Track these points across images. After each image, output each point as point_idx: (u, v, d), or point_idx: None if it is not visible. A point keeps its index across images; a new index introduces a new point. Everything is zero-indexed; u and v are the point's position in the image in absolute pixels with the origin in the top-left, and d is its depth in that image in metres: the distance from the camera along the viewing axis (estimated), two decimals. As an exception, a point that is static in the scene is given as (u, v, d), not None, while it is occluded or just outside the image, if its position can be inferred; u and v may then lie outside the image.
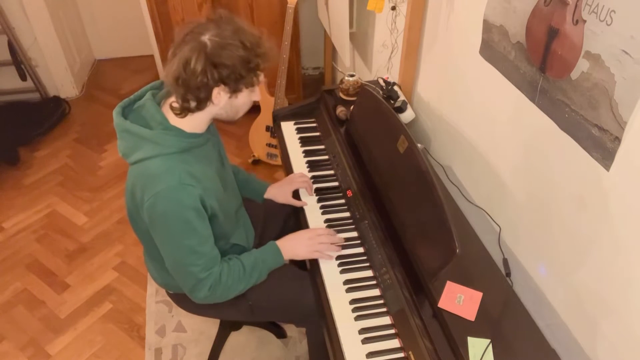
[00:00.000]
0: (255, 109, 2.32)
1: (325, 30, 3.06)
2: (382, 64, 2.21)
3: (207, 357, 1.91)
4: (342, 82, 1.96)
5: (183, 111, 1.22)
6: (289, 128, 1.94)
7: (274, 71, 2.66)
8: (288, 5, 2.51)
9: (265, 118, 2.79)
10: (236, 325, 1.91)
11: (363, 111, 1.71)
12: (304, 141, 1.87)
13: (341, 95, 1.97)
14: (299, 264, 1.52)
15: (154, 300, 2.19)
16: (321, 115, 1.95)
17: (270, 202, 1.69)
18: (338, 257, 1.42)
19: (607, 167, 1.00)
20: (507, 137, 1.37)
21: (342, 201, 1.62)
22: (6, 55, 3.23)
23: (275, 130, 2.00)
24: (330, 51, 3.20)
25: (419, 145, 1.37)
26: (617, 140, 0.95)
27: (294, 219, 1.66)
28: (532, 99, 1.21)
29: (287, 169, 1.78)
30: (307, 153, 1.82)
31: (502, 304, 1.22)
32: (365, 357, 1.18)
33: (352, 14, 2.56)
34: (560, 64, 1.07)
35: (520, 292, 1.28)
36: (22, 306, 2.20)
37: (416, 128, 1.93)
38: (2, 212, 2.68)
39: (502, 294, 1.24)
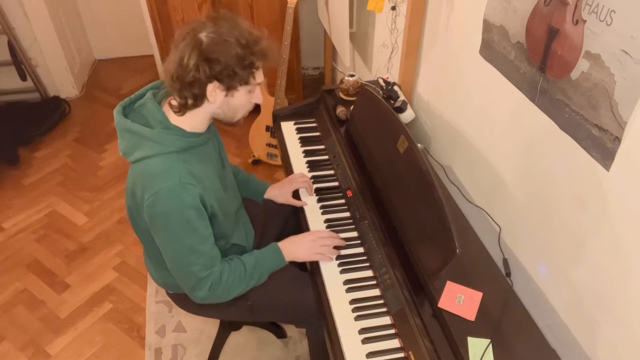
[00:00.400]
0: (255, 109, 2.32)
1: (325, 30, 3.06)
2: (382, 64, 2.21)
3: (207, 357, 1.91)
4: (342, 82, 1.96)
5: (181, 109, 1.22)
6: (289, 128, 1.94)
7: (274, 71, 2.66)
8: (288, 5, 2.51)
9: (265, 118, 2.79)
10: (236, 325, 1.91)
11: (363, 111, 1.71)
12: (304, 141, 1.87)
13: (341, 95, 1.97)
14: (299, 265, 1.53)
15: (154, 300, 2.19)
16: (321, 115, 1.95)
17: (270, 203, 1.69)
18: (338, 257, 1.42)
19: (607, 167, 1.00)
20: (507, 137, 1.37)
21: (342, 201, 1.62)
22: (6, 55, 3.23)
23: (275, 130, 2.00)
24: (330, 51, 3.20)
25: (419, 145, 1.37)
26: (617, 140, 0.95)
27: (294, 219, 1.66)
28: (532, 99, 1.21)
29: (287, 169, 1.78)
30: (307, 153, 1.82)
31: (502, 304, 1.22)
32: (365, 357, 1.18)
33: (352, 14, 2.56)
34: (560, 64, 1.07)
35: (520, 292, 1.28)
36: (22, 306, 2.20)
37: (416, 128, 1.93)
38: (2, 212, 2.68)
39: (502, 294, 1.24)
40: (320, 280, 1.38)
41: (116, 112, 1.26)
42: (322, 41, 3.36)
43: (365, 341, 1.21)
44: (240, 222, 1.54)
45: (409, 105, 1.83)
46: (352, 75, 1.95)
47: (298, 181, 1.65)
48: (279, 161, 2.86)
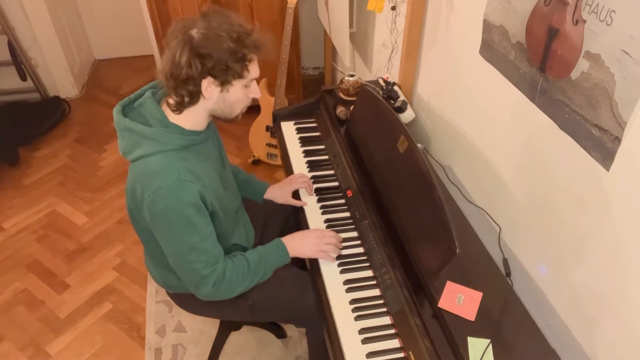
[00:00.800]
0: (255, 109, 2.33)
1: (325, 30, 3.06)
2: (382, 64, 2.21)
3: (207, 357, 1.91)
4: (342, 82, 1.96)
5: (178, 107, 1.22)
6: (289, 128, 1.94)
7: (274, 71, 2.67)
8: (288, 5, 2.51)
9: (265, 118, 2.79)
10: (236, 325, 1.91)
11: (363, 111, 1.71)
12: (304, 141, 1.87)
13: (341, 95, 1.97)
14: (299, 264, 1.52)
15: (154, 300, 2.19)
16: (321, 115, 1.95)
17: (271, 203, 1.69)
18: (338, 257, 1.42)
19: (607, 167, 1.00)
20: (507, 137, 1.37)
21: (342, 201, 1.62)
22: (6, 55, 3.23)
23: (275, 130, 2.00)
24: (330, 51, 3.20)
25: (419, 145, 1.37)
26: (617, 140, 0.95)
27: (294, 219, 1.66)
28: (532, 99, 1.21)
29: (287, 169, 1.78)
30: (307, 153, 1.82)
31: (502, 304, 1.22)
32: (365, 357, 1.18)
33: (352, 14, 2.56)
34: (560, 64, 1.07)
35: (520, 292, 1.28)
36: (22, 306, 2.20)
37: (416, 128, 1.93)
38: (2, 212, 2.68)
39: (502, 294, 1.24)
40: (320, 280, 1.38)
41: (116, 111, 1.26)
42: (322, 41, 3.36)
43: (365, 341, 1.21)
44: (240, 222, 1.54)
45: (409, 105, 1.83)
46: (352, 75, 1.95)
47: (298, 181, 1.65)
48: (279, 161, 2.86)
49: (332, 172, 1.73)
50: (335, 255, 1.42)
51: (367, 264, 1.40)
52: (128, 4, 3.67)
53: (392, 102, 1.79)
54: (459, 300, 1.20)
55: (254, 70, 1.23)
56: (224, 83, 1.19)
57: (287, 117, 1.98)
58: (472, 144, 1.56)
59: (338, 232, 1.49)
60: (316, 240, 1.41)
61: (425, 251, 1.27)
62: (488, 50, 1.37)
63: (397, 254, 1.36)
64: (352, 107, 1.79)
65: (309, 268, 1.46)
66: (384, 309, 1.28)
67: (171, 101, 1.22)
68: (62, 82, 3.55)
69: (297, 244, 1.41)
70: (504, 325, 1.17)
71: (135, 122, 1.22)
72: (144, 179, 1.21)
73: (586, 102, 1.01)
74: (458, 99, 1.63)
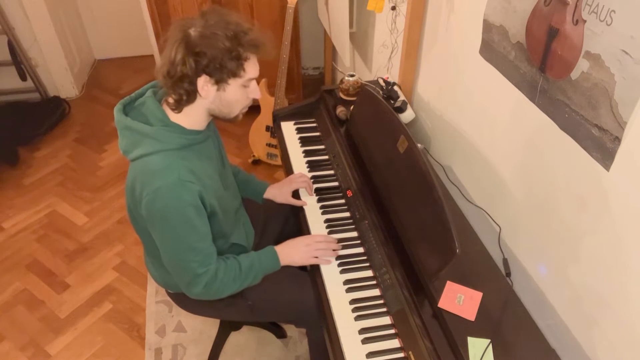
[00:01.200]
0: (255, 109, 2.32)
1: (325, 30, 3.06)
2: (382, 64, 2.21)
3: (207, 357, 1.91)
4: (342, 82, 1.96)
5: (176, 105, 1.22)
6: (289, 128, 1.94)
7: (274, 71, 2.67)
8: (288, 5, 2.51)
9: (265, 118, 2.79)
10: (236, 325, 1.91)
11: (363, 111, 1.71)
12: (304, 141, 1.87)
13: (341, 95, 1.97)
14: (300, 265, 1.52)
15: (154, 300, 2.19)
16: (321, 115, 1.95)
17: (271, 203, 1.69)
18: (338, 257, 1.42)
19: (607, 167, 1.00)
20: (507, 137, 1.37)
21: (342, 201, 1.62)
22: (6, 55, 3.23)
23: (275, 130, 2.00)
24: (330, 51, 3.20)
25: (419, 145, 1.37)
26: (617, 140, 0.95)
27: (294, 220, 1.66)
28: (532, 99, 1.20)
29: (287, 169, 1.78)
30: (307, 153, 1.82)
31: (502, 304, 1.22)
32: (365, 357, 1.18)
33: (352, 14, 2.56)
34: (560, 64, 1.07)
35: (520, 292, 1.28)
36: (22, 306, 2.19)
37: (416, 128, 1.93)
38: (2, 212, 2.68)
39: (502, 294, 1.24)
40: (320, 280, 1.38)
41: (116, 110, 1.26)
42: (322, 41, 3.36)
43: (365, 341, 1.21)
44: (240, 222, 1.54)
45: (409, 105, 1.83)
46: (352, 75, 1.95)
47: (297, 181, 1.65)
48: (279, 161, 2.86)
49: (332, 172, 1.73)
50: (331, 259, 1.41)
51: (367, 264, 1.40)
52: (128, 4, 3.66)
53: (392, 102, 1.79)
54: (459, 300, 1.20)
55: (251, 69, 1.22)
56: (219, 82, 1.19)
57: (287, 117, 1.98)
58: (472, 144, 1.56)
59: (338, 232, 1.49)
60: (306, 247, 1.41)
61: (425, 251, 1.27)
62: (488, 50, 1.37)
63: (397, 254, 1.36)
64: (352, 107, 1.79)
65: (308, 268, 1.46)
66: (384, 309, 1.28)
67: (170, 100, 1.23)
68: (62, 82, 3.55)
69: (287, 252, 1.42)
70: (504, 325, 1.17)
71: (136, 121, 1.23)
72: (144, 178, 1.21)
73: (586, 102, 1.01)
74: (458, 99, 1.63)
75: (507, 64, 1.28)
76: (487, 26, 1.35)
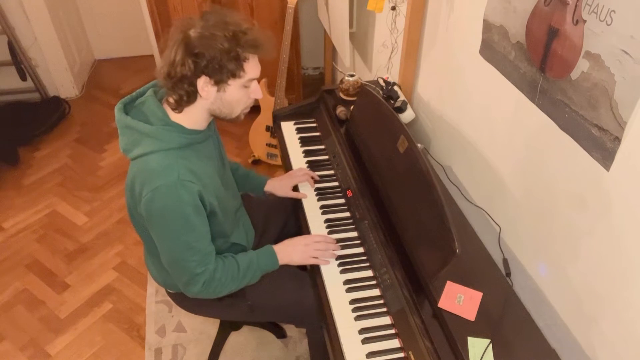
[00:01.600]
0: (255, 109, 2.32)
1: (325, 30, 3.06)
2: (382, 64, 2.21)
3: (207, 357, 1.91)
4: (342, 82, 1.96)
5: (177, 105, 1.22)
6: (289, 128, 1.94)
7: (274, 71, 2.67)
8: (288, 5, 2.51)
9: (265, 118, 2.79)
10: (236, 325, 1.91)
11: (363, 111, 1.71)
12: (304, 141, 1.87)
13: (341, 95, 1.97)
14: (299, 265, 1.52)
15: (154, 300, 2.19)
16: (321, 115, 1.95)
17: (271, 202, 1.69)
18: (338, 257, 1.42)
19: (607, 167, 1.00)
20: (507, 137, 1.37)
21: (342, 201, 1.62)
22: (6, 55, 3.23)
23: (275, 130, 2.00)
24: (330, 51, 3.20)
25: (419, 145, 1.37)
26: (617, 140, 0.95)
27: (294, 219, 1.66)
28: (532, 99, 1.20)
29: (287, 169, 1.78)
30: (307, 153, 1.82)
31: (502, 304, 1.22)
32: (365, 357, 1.18)
33: (352, 14, 2.56)
34: (560, 64, 1.07)
35: (520, 292, 1.28)
36: (22, 306, 2.19)
37: (416, 128, 1.93)
38: (2, 212, 2.68)
39: (502, 294, 1.24)
40: (320, 280, 1.38)
41: (117, 109, 1.26)
42: (322, 41, 3.36)
43: (365, 341, 1.21)
44: (240, 222, 1.53)
45: (409, 105, 1.83)
46: (352, 75, 1.95)
47: (298, 175, 1.65)
48: (279, 161, 2.86)
49: (332, 172, 1.73)
50: (329, 259, 1.41)
51: (367, 264, 1.40)
52: (128, 4, 3.67)
53: (392, 102, 1.79)
54: (459, 300, 1.20)
55: (251, 70, 1.21)
56: (219, 82, 1.19)
57: (287, 117, 1.98)
58: (472, 144, 1.56)
59: (338, 232, 1.49)
60: (304, 247, 1.41)
61: (425, 251, 1.27)
62: (488, 50, 1.37)
63: (397, 254, 1.36)
64: (352, 107, 1.79)
65: (308, 268, 1.46)
66: (384, 309, 1.28)
67: (171, 100, 1.23)
68: (62, 82, 3.55)
69: (286, 251, 1.42)
70: (504, 325, 1.17)
71: (136, 120, 1.23)
72: (143, 177, 1.21)
73: (586, 102, 1.01)
74: (458, 99, 1.63)
75: (507, 64, 1.28)
76: (487, 26, 1.35)
